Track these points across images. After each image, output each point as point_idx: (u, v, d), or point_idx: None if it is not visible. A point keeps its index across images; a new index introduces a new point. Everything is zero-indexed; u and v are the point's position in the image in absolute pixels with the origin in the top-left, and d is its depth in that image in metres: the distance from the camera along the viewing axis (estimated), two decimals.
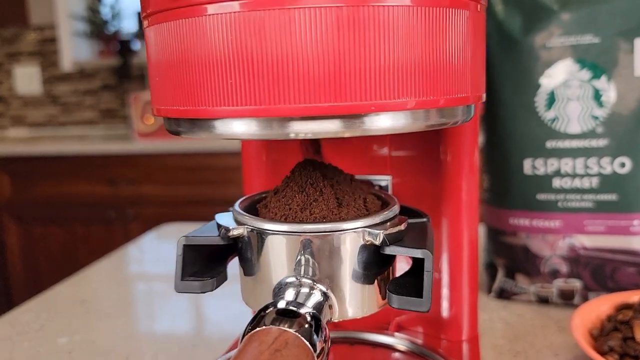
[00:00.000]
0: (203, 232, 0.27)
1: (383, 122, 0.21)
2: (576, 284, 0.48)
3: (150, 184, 2.03)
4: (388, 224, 0.25)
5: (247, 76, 0.20)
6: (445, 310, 0.38)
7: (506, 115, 0.49)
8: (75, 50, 2.58)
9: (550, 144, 0.47)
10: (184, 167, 2.01)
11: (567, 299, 0.49)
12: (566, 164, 0.47)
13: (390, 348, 0.37)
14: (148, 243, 0.78)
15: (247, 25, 0.20)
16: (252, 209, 0.28)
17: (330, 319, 0.25)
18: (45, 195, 2.11)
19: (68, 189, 2.08)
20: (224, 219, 0.26)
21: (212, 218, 0.27)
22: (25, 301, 2.29)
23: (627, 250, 0.46)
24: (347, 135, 0.21)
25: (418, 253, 0.23)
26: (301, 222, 0.24)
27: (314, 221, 0.24)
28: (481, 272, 0.55)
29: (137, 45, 2.50)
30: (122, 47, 2.45)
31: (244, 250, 0.26)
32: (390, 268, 0.27)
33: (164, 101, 0.24)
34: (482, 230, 0.55)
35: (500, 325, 0.47)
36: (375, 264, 0.25)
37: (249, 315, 0.40)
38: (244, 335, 0.21)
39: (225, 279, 0.27)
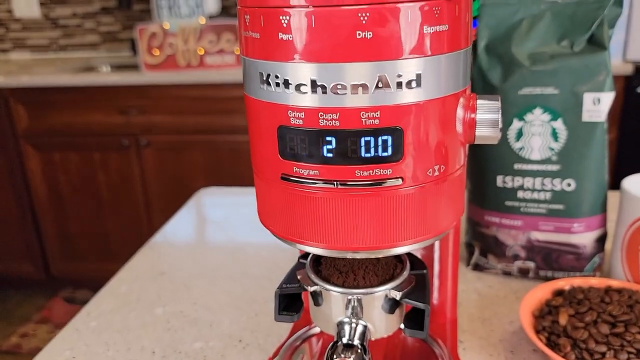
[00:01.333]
0: (288, 280, 0.43)
1: (400, 250, 0.37)
2: (531, 264, 0.66)
3: (159, 114, 2.14)
4: (404, 283, 0.42)
5: (326, 229, 0.35)
6: (435, 299, 0.56)
7: None
8: None
9: (517, 166, 0.63)
10: (189, 97, 2.11)
11: (524, 274, 0.67)
12: (528, 181, 0.63)
13: None
14: (195, 209, 0.95)
15: (329, 203, 0.35)
16: (317, 264, 0.44)
17: (370, 338, 0.42)
18: (60, 124, 2.21)
19: (82, 119, 2.19)
20: (302, 275, 0.43)
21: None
22: (51, 222, 2.45)
23: (567, 244, 0.64)
24: (379, 257, 0.38)
25: (421, 306, 0.40)
26: (351, 287, 0.41)
27: (358, 287, 0.41)
28: (462, 249, 0.73)
29: None
30: None
31: (315, 295, 0.43)
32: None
33: (268, 221, 0.39)
34: (464, 219, 0.72)
35: (474, 295, 0.65)
36: (394, 305, 0.42)
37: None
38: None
39: (303, 308, 0.44)
